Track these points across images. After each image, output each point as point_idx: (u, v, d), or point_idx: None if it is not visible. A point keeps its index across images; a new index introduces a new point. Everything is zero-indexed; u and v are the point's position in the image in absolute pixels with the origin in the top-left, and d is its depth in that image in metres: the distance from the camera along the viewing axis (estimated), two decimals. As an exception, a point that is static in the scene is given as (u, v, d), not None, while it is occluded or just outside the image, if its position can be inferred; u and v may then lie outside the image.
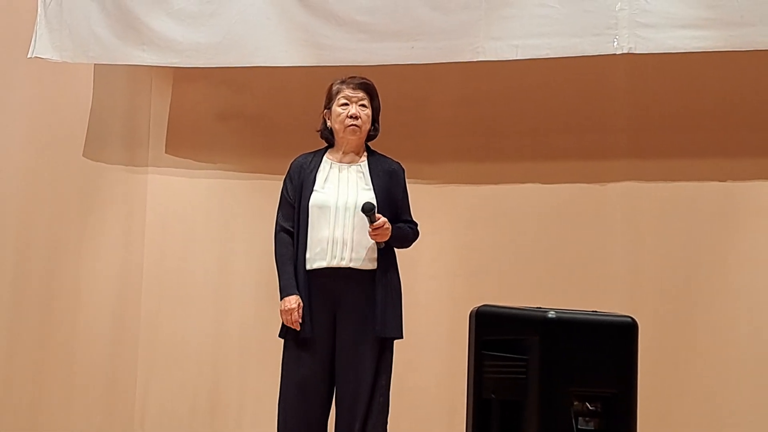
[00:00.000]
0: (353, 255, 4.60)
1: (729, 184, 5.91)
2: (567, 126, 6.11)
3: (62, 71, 6.39)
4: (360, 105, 4.75)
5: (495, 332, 4.16)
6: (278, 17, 5.83)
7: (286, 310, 4.62)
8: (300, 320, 4.60)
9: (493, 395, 4.08)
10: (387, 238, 4.62)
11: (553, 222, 6.09)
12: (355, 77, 4.83)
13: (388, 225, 4.60)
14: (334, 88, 4.81)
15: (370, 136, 4.84)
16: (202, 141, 6.54)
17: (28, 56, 6.13)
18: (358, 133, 4.75)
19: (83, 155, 6.53)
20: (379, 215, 4.58)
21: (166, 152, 6.58)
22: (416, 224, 4.84)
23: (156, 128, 6.59)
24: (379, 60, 5.74)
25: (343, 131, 4.75)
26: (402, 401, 6.12)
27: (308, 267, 4.63)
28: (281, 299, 4.66)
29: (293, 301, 4.62)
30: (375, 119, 4.83)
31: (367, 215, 4.56)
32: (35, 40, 6.11)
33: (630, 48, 5.39)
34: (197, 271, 6.43)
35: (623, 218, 6.00)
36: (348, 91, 4.77)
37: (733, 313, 5.81)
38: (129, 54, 6.06)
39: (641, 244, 5.96)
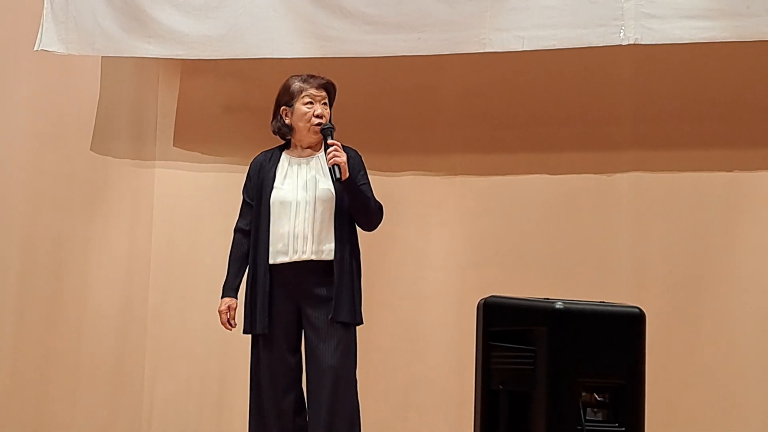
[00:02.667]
0: (314, 248, 4.68)
1: (735, 174, 5.90)
2: (573, 117, 6.11)
3: (69, 65, 6.39)
4: (322, 104, 4.83)
5: (503, 323, 4.17)
6: (284, 9, 5.83)
7: (219, 312, 4.86)
8: (228, 323, 4.83)
9: (501, 386, 4.09)
10: (342, 164, 4.63)
11: (560, 213, 6.09)
12: (316, 76, 4.90)
13: (345, 155, 4.67)
14: (296, 85, 4.87)
15: None
16: (209, 134, 6.55)
17: (35, 49, 6.13)
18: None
19: (90, 149, 6.53)
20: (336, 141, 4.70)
21: (173, 145, 6.59)
22: (379, 203, 4.86)
23: (163, 121, 6.60)
24: (385, 51, 5.75)
25: (308, 130, 4.83)
26: (410, 392, 6.16)
27: (271, 261, 4.72)
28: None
29: (224, 303, 4.85)
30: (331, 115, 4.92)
31: (323, 134, 4.74)
32: (41, 33, 6.11)
33: (636, 39, 5.39)
34: (204, 265, 6.43)
35: (630, 209, 6.00)
36: (312, 90, 4.84)
37: (740, 304, 5.81)
38: (135, 46, 6.07)
39: (648, 234, 5.96)
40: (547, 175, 6.15)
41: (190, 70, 6.52)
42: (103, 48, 6.16)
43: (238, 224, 4.92)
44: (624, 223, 6.00)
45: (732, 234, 5.86)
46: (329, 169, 4.67)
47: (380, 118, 6.32)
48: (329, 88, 4.90)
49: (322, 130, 4.77)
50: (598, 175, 6.09)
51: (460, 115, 6.28)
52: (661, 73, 5.97)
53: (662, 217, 5.95)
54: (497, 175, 6.23)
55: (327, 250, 4.67)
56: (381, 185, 6.00)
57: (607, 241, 6.00)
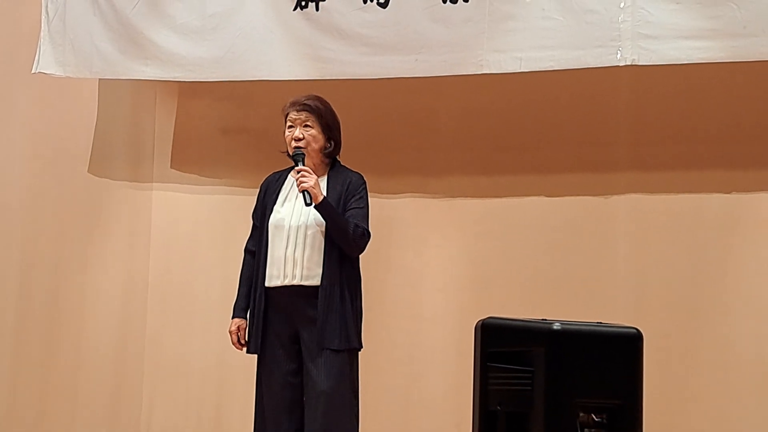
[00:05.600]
0: (304, 273, 4.66)
1: (733, 195, 5.90)
2: (571, 138, 6.11)
3: (66, 87, 6.41)
4: (304, 126, 4.79)
5: (500, 344, 4.16)
6: (281, 31, 5.84)
7: (229, 332, 4.86)
8: (239, 342, 4.83)
9: (499, 407, 4.08)
10: (311, 190, 4.61)
11: (558, 234, 6.09)
12: (299, 98, 4.86)
13: (315, 179, 4.65)
14: (284, 111, 4.86)
15: (330, 152, 4.85)
16: (207, 156, 6.55)
17: (32, 72, 6.15)
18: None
19: (88, 171, 6.54)
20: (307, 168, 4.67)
21: (171, 167, 6.59)
22: (363, 228, 4.77)
23: (161, 143, 6.61)
24: (383, 73, 5.75)
25: (292, 154, 4.81)
26: (409, 413, 6.14)
27: (267, 284, 4.74)
28: None
29: (233, 324, 4.85)
30: (329, 136, 4.84)
31: (293, 159, 4.74)
32: (39, 56, 6.13)
33: (633, 60, 5.39)
34: (202, 287, 6.44)
35: (627, 230, 6.00)
36: (292, 114, 4.83)
37: (738, 325, 5.80)
38: (132, 68, 6.08)
39: (645, 255, 5.95)
40: (545, 197, 6.15)
41: (188, 92, 6.53)
42: (101, 70, 6.18)
43: (247, 245, 4.94)
44: (621, 244, 5.99)
45: (729, 255, 5.85)
46: (302, 194, 4.65)
47: (378, 140, 6.32)
48: (312, 107, 4.83)
49: (292, 156, 4.75)
50: (595, 197, 6.09)
51: (458, 137, 6.28)
52: (658, 94, 5.98)
53: (660, 239, 5.95)
54: (495, 197, 6.23)
55: (315, 276, 4.66)
56: (379, 207, 6.02)
57: (604, 262, 5.99)
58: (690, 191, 5.96)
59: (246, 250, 4.93)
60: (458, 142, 6.27)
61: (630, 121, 6.05)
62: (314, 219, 4.66)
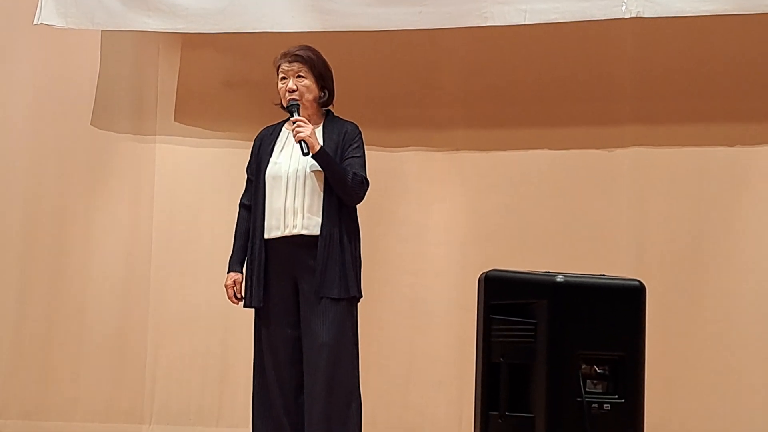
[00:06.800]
0: (304, 222, 4.63)
1: (737, 149, 5.90)
2: (574, 92, 6.10)
3: (68, 40, 6.38)
4: (297, 77, 4.75)
5: (504, 297, 4.17)
6: (284, -18, 5.82)
7: (225, 286, 4.84)
8: (235, 297, 4.80)
9: (501, 359, 4.09)
10: (308, 139, 4.58)
11: (561, 188, 6.09)
12: (291, 50, 4.79)
13: (311, 128, 4.62)
14: (276, 63, 4.81)
15: (324, 102, 4.83)
16: (210, 109, 6.53)
17: (34, 23, 6.11)
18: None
19: (91, 124, 6.53)
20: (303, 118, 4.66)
21: (174, 120, 6.58)
22: (362, 176, 4.72)
23: (164, 96, 6.58)
24: (386, 25, 5.73)
25: (287, 106, 4.78)
26: (412, 366, 6.17)
27: (266, 236, 4.70)
28: None
29: (229, 278, 4.83)
30: (323, 86, 4.81)
31: (288, 111, 4.70)
32: (40, 7, 6.09)
33: (638, 12, 5.37)
34: (205, 239, 6.44)
35: (631, 183, 6.00)
36: (284, 65, 4.76)
37: (740, 278, 5.82)
38: (134, 20, 6.05)
39: (649, 208, 5.96)
40: (549, 151, 6.15)
41: (190, 44, 6.50)
42: (103, 22, 6.14)
43: (242, 199, 4.89)
44: (625, 197, 6.00)
45: (733, 208, 5.85)
46: (299, 144, 4.64)
47: (382, 93, 6.30)
48: (304, 58, 4.77)
49: (287, 108, 4.72)
50: (599, 150, 6.09)
51: (462, 91, 6.27)
52: (662, 47, 5.96)
53: (663, 192, 5.95)
54: (498, 150, 6.23)
55: (315, 225, 4.65)
56: (382, 161, 6.02)
57: (608, 215, 6.00)
58: (694, 144, 5.97)
59: (240, 204, 4.89)
60: (462, 96, 6.26)
61: (634, 75, 6.04)
62: (312, 169, 4.64)
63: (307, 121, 4.63)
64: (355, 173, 4.66)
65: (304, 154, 4.59)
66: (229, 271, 4.84)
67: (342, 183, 4.63)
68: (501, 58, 6.17)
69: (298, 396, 4.71)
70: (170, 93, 6.58)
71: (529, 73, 6.16)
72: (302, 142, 4.58)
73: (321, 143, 4.64)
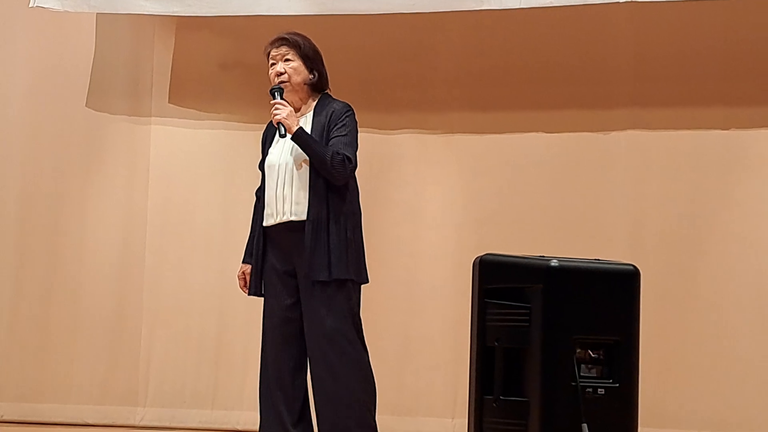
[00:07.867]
0: (293, 208, 4.64)
1: (733, 132, 5.90)
2: (570, 75, 6.10)
3: (64, 22, 6.38)
4: (284, 61, 4.73)
5: (498, 281, 4.19)
6: (281, -35, 5.80)
7: (237, 277, 4.89)
8: (245, 287, 4.84)
9: (496, 343, 4.11)
10: (284, 121, 4.58)
11: (557, 171, 6.09)
12: (277, 35, 4.79)
13: (288, 110, 4.61)
14: (265, 51, 4.80)
15: (315, 84, 4.82)
16: (205, 91, 6.53)
17: (30, 6, 6.10)
18: (289, 88, 4.73)
19: (86, 105, 6.52)
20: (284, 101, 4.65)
21: (169, 102, 6.57)
22: (344, 155, 4.62)
23: (159, 78, 6.57)
24: (383, 8, 5.71)
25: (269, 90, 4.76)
26: (407, 349, 6.18)
27: (264, 224, 4.74)
28: None
29: (240, 269, 4.87)
30: (312, 68, 4.79)
31: (271, 94, 4.67)
32: (37, -11, 6.09)
33: (634, -5, 5.37)
34: (200, 221, 6.45)
35: (626, 167, 6.00)
36: (272, 51, 4.76)
37: (736, 261, 5.83)
38: (130, 3, 6.03)
39: (644, 192, 5.96)
40: (544, 134, 6.15)
41: (186, 26, 6.49)
42: (99, 5, 6.13)
43: (257, 191, 4.92)
44: (621, 180, 6.00)
45: (728, 192, 5.86)
46: (276, 126, 4.65)
47: (378, 76, 6.30)
48: (290, 41, 4.75)
49: (270, 91, 4.69)
50: (595, 133, 6.09)
51: (458, 74, 6.27)
52: (658, 30, 5.96)
53: (659, 175, 5.96)
54: (494, 133, 6.22)
55: (303, 210, 4.66)
56: (378, 143, 6.02)
57: (603, 199, 6.01)
58: (689, 128, 5.97)
59: (255, 194, 4.93)
60: (458, 79, 6.26)
61: (630, 58, 6.03)
62: (300, 155, 4.64)
63: (285, 104, 4.63)
64: (336, 152, 4.60)
65: (282, 136, 4.60)
66: (242, 262, 4.87)
67: (322, 163, 4.61)
68: (497, 41, 6.17)
69: (294, 376, 4.72)
70: (165, 75, 6.58)
71: (525, 57, 6.15)
72: (279, 124, 4.59)
73: (310, 126, 4.65)
